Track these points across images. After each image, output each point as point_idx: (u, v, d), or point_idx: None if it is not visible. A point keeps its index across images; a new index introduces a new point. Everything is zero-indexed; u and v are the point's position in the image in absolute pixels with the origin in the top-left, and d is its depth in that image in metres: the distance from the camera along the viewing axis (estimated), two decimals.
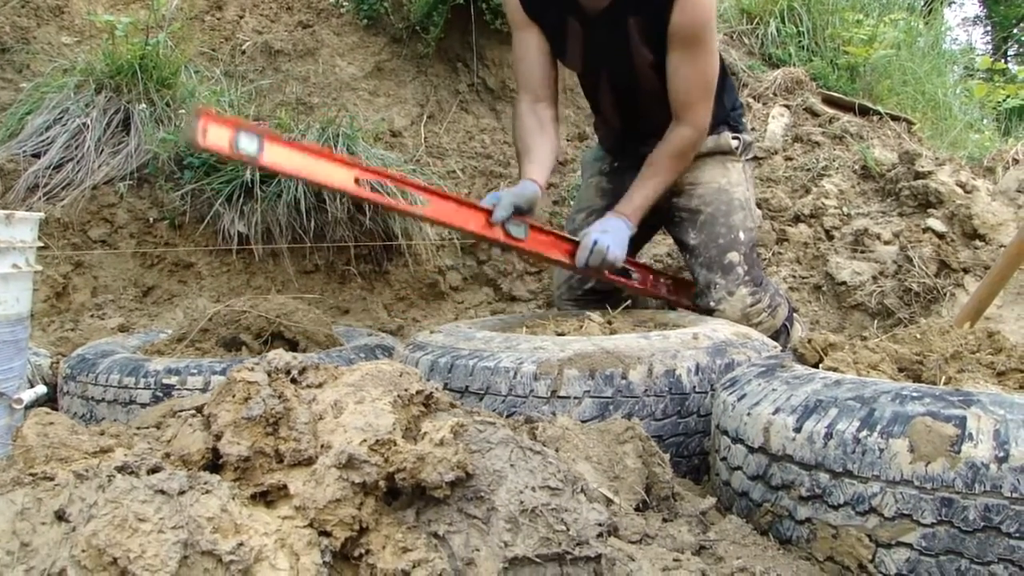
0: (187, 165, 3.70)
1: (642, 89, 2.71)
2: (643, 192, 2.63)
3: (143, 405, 2.26)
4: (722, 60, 2.89)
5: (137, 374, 2.31)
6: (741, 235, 2.75)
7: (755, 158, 3.50)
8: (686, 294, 2.92)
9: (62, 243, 3.58)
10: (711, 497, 1.63)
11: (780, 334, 2.84)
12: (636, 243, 3.11)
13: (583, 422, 1.71)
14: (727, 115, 2.87)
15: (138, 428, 1.47)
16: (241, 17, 4.94)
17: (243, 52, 4.69)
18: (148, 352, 2.67)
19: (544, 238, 2.57)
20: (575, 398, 1.86)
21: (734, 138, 2.85)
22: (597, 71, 2.80)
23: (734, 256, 2.72)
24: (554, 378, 1.88)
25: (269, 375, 1.11)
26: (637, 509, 1.44)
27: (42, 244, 3.42)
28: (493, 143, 4.75)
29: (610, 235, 2.53)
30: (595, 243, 2.49)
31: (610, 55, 2.65)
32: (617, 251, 2.52)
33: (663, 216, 2.93)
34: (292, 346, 2.67)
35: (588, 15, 2.58)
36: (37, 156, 3.72)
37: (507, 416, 1.79)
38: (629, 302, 2.99)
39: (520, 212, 2.46)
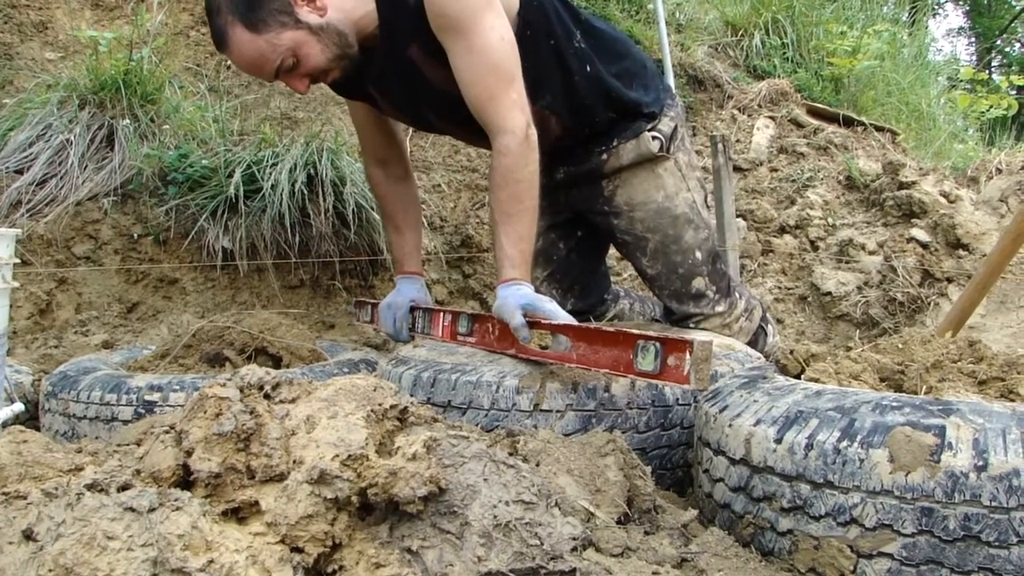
0: (171, 181, 3.69)
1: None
2: (513, 242, 2.16)
3: (125, 422, 2.24)
4: (622, 39, 2.71)
5: (119, 391, 2.29)
6: (698, 254, 2.61)
7: (737, 168, 3.41)
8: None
9: (45, 260, 3.56)
10: (693, 509, 1.62)
11: (759, 336, 2.80)
12: (595, 250, 3.00)
13: (566, 435, 1.70)
14: (635, 103, 2.57)
15: (118, 445, 1.46)
16: None
17: (228, 67, 4.68)
18: (131, 369, 2.65)
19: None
20: (557, 411, 1.85)
21: (654, 138, 2.55)
22: (423, 115, 2.54)
23: (699, 282, 2.62)
24: (536, 391, 1.87)
25: (241, 391, 1.11)
26: (619, 522, 1.43)
27: (25, 261, 3.42)
28: (479, 156, 4.75)
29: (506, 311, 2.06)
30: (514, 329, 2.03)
31: (416, 93, 2.40)
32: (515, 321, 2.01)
33: (607, 236, 2.80)
34: (276, 361, 2.66)
35: (375, 75, 2.39)
36: (20, 172, 3.70)
37: (489, 430, 1.78)
38: (614, 317, 3.00)
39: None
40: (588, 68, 2.48)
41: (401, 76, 2.35)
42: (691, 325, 2.65)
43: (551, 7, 2.41)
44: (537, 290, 2.65)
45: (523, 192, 2.17)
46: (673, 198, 2.59)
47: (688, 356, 1.49)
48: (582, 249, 2.90)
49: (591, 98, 2.51)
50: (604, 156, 2.60)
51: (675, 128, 2.63)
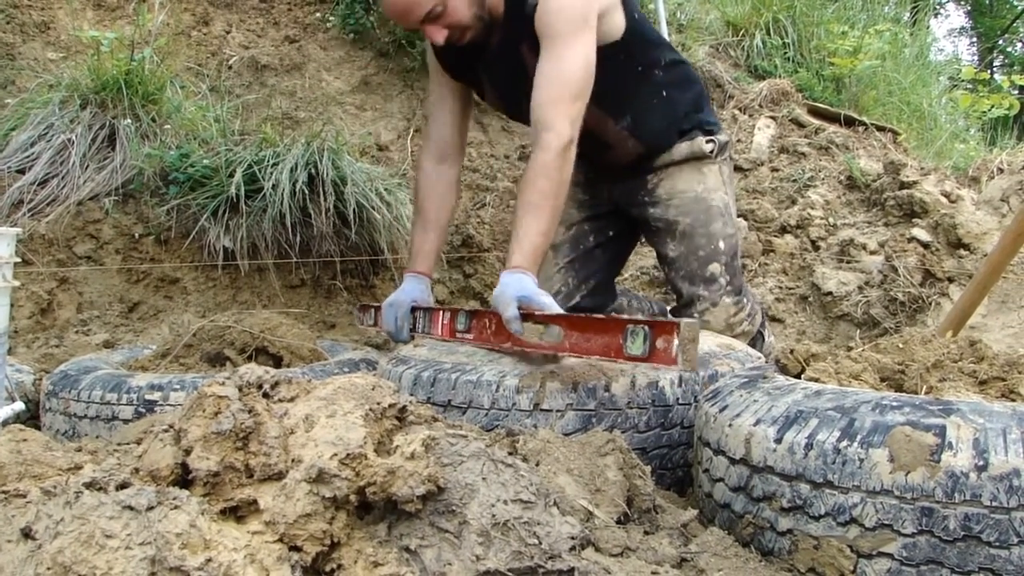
0: (172, 180, 3.69)
1: None
2: (532, 234, 2.19)
3: (126, 421, 2.24)
4: (690, 68, 2.89)
5: (119, 390, 2.29)
6: (721, 244, 2.71)
7: (738, 168, 3.42)
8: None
9: (47, 259, 3.56)
10: (692, 509, 1.62)
11: (757, 340, 2.84)
12: (619, 254, 3.12)
13: (566, 435, 1.70)
14: (699, 122, 2.76)
15: (118, 444, 1.46)
16: (228, 32, 4.95)
17: (229, 67, 4.69)
18: (132, 368, 2.65)
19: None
20: (558, 411, 1.85)
21: (708, 141, 2.72)
22: (521, 107, 2.54)
23: (715, 267, 2.69)
24: (536, 391, 1.87)
25: (240, 389, 1.10)
26: (618, 522, 1.43)
27: (26, 260, 3.42)
28: (479, 156, 4.75)
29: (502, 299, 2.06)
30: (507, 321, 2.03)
31: (520, 85, 2.45)
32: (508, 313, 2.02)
33: (640, 225, 2.91)
34: (276, 361, 2.66)
35: (489, 59, 2.54)
36: (22, 172, 3.70)
37: (489, 430, 1.78)
38: (611, 312, 3.00)
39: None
40: (665, 93, 2.69)
41: (510, 66, 2.48)
42: (695, 315, 2.69)
43: (644, 37, 2.63)
44: (553, 275, 2.86)
45: (553, 190, 2.24)
46: (711, 192, 2.73)
47: (676, 337, 1.50)
48: (609, 248, 3.00)
49: (666, 121, 2.70)
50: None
51: (726, 143, 2.81)
